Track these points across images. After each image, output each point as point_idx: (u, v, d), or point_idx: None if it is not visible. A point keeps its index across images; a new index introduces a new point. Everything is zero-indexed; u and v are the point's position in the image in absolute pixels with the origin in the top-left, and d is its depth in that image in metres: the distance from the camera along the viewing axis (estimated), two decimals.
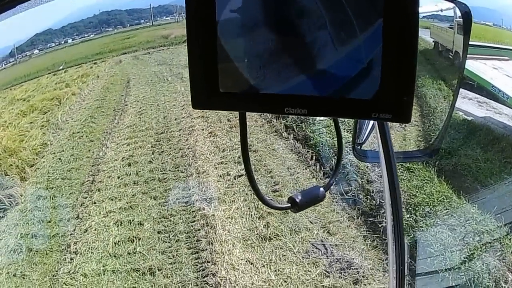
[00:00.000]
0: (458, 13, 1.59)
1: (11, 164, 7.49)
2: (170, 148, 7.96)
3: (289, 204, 1.03)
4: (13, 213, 6.35)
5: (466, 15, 1.50)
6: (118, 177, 7.18)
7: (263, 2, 0.75)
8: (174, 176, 6.99)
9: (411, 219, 4.99)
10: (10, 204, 6.45)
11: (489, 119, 6.87)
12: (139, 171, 7.29)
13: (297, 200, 1.02)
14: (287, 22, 0.73)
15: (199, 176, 6.81)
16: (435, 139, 1.83)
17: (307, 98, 0.74)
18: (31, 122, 9.24)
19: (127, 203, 6.41)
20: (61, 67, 13.01)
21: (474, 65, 7.33)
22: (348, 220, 5.54)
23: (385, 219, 5.08)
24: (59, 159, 7.96)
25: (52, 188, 7.00)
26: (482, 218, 4.83)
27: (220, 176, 6.76)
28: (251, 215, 5.75)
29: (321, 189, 1.09)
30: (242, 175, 6.57)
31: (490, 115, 7.03)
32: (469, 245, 4.58)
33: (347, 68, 0.71)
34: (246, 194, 6.13)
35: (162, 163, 7.45)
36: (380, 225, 5.26)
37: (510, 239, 4.56)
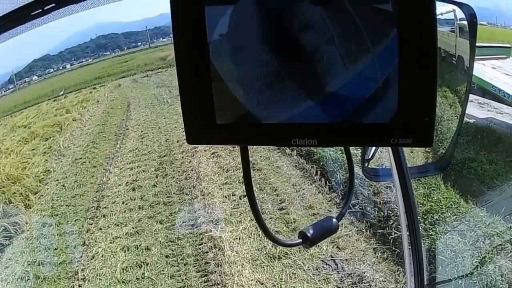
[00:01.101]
0: (459, 15, 1.52)
1: (15, 192, 7.48)
2: (173, 171, 7.98)
3: (300, 240, 0.96)
4: (19, 240, 6.32)
5: (472, 17, 1.40)
6: (123, 202, 7.17)
7: (258, 18, 0.66)
8: (179, 199, 6.99)
9: (420, 228, 4.90)
10: (16, 232, 6.43)
11: (491, 120, 6.83)
12: (144, 196, 7.29)
13: (309, 235, 0.95)
14: (288, 40, 0.65)
15: (204, 198, 6.81)
16: (447, 151, 1.71)
17: (316, 126, 0.66)
18: (33, 149, 9.26)
19: (133, 228, 6.39)
20: (61, 93, 13.10)
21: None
22: (357, 234, 5.54)
23: (396, 231, 5.07)
24: (63, 185, 7.95)
25: (57, 215, 6.98)
26: (491, 220, 4.79)
27: (226, 197, 6.77)
28: (259, 235, 5.73)
29: (334, 220, 1.00)
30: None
31: (492, 116, 6.98)
32: (480, 249, 4.53)
33: (360, 89, 0.63)
34: None
35: (166, 187, 7.46)
36: (389, 237, 5.26)
37: None
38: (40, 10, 1.22)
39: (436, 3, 0.60)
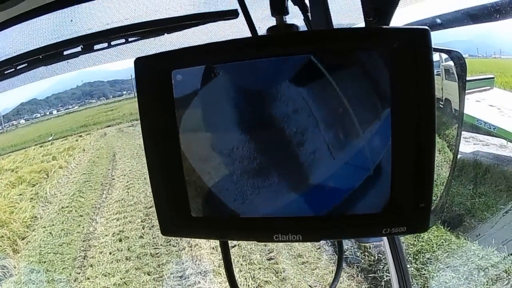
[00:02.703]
0: (444, 56, 1.39)
1: (3, 236, 7.53)
2: None
3: None
4: (7, 284, 6.35)
5: (460, 62, 1.32)
6: (110, 253, 7.27)
7: (233, 98, 0.60)
8: (167, 251, 7.11)
9: (412, 268, 4.98)
10: (4, 275, 6.48)
11: (477, 153, 6.77)
12: (131, 247, 7.40)
13: None
14: (266, 127, 0.59)
15: (191, 250, 6.93)
16: (438, 203, 1.52)
17: (300, 220, 0.60)
18: (20, 194, 9.32)
19: (121, 279, 6.47)
20: (50, 138, 13.23)
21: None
22: (348, 279, 5.58)
23: (388, 273, 5.22)
24: (50, 233, 8.02)
25: (45, 262, 7.02)
26: (484, 253, 4.83)
27: (213, 248, 6.85)
28: (248, 286, 5.83)
29: None
30: (235, 245, 6.62)
31: (478, 149, 6.91)
32: (475, 282, 4.55)
33: (349, 179, 0.57)
34: (241, 264, 6.24)
35: (153, 238, 7.59)
36: (381, 280, 5.32)
37: None
38: (13, 70, 1.22)
39: (434, 76, 0.55)
